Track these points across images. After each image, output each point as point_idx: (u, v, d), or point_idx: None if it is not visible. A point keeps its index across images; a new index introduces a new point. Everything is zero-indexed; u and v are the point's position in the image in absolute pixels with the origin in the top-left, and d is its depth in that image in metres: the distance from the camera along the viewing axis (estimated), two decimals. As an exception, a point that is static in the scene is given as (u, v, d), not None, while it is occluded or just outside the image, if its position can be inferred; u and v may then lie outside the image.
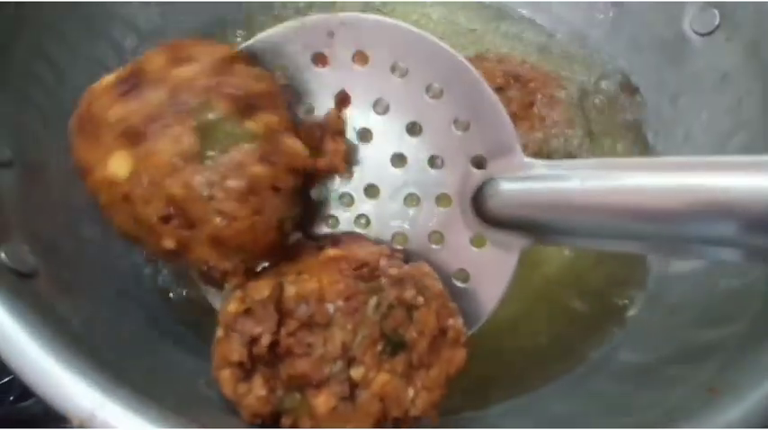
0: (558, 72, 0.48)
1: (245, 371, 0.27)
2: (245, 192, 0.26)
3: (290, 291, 0.27)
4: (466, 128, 0.30)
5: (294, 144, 0.28)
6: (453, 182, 0.30)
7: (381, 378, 0.26)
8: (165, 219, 0.26)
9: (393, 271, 0.28)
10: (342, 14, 0.29)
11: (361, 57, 0.30)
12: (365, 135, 0.31)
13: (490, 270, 0.30)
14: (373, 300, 0.27)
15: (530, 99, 0.44)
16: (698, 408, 0.28)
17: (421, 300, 0.28)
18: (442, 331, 0.28)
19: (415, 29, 0.29)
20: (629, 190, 0.26)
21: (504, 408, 0.36)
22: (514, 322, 0.39)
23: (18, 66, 0.38)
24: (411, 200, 0.31)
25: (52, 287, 0.30)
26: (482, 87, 0.29)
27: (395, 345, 0.27)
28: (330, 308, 0.27)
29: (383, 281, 0.28)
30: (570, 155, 0.43)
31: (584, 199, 0.27)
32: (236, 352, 0.26)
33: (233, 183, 0.26)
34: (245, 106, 0.27)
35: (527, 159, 0.29)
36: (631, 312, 0.40)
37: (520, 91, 0.43)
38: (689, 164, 0.26)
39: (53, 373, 0.23)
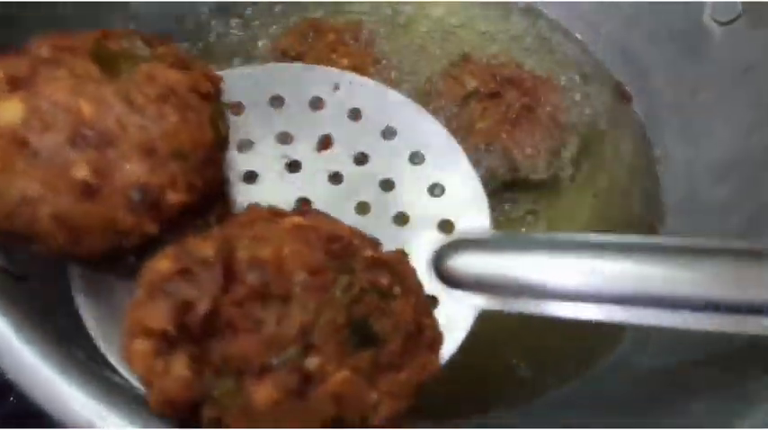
0: (554, 74, 0.46)
1: (167, 343, 0.21)
2: (166, 93, 0.23)
3: (243, 254, 0.22)
4: (441, 193, 0.30)
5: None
6: (416, 241, 0.29)
7: (342, 374, 0.21)
8: (73, 143, 0.22)
9: (368, 252, 0.24)
10: (350, 75, 0.32)
11: (356, 113, 0.31)
12: (337, 177, 0.31)
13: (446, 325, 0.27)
14: (343, 279, 0.22)
15: (527, 103, 0.42)
16: (725, 415, 0.26)
17: (398, 289, 0.23)
18: (418, 330, 0.23)
19: (411, 101, 0.32)
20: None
21: (513, 414, 0.35)
22: (519, 326, 0.38)
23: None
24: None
25: (47, 290, 0.29)
26: (461, 157, 0.31)
27: (362, 337, 0.22)
28: (290, 280, 0.22)
29: (356, 262, 0.23)
30: (572, 160, 0.42)
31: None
32: (161, 317, 0.21)
33: (150, 90, 0.23)
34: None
35: (492, 231, 0.30)
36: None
37: (516, 96, 0.42)
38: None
39: (50, 382, 0.22)
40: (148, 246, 0.23)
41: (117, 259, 0.25)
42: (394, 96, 0.32)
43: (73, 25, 0.39)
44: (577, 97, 0.44)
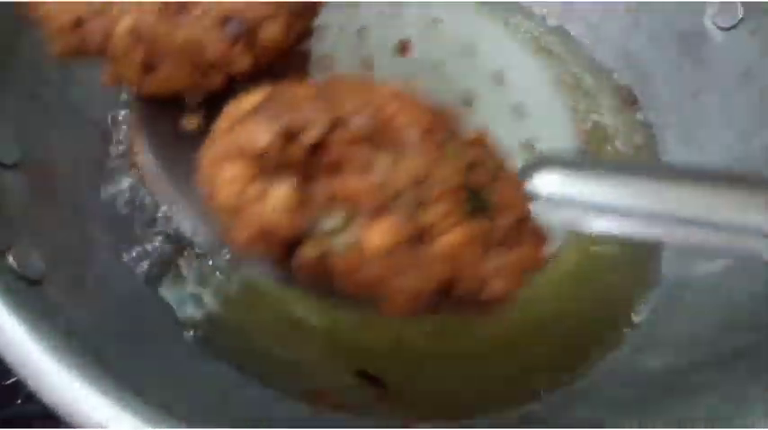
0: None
1: (266, 167, 0.18)
2: None
3: (348, 102, 0.19)
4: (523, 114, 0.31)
5: None
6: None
7: (459, 233, 0.19)
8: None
9: (470, 133, 0.22)
10: None
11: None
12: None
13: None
14: (456, 144, 0.20)
15: None
16: (728, 417, 0.27)
17: (504, 173, 0.21)
18: (525, 217, 0.21)
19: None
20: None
21: (517, 414, 0.36)
22: (521, 327, 0.38)
23: (24, 62, 0.37)
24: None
25: (61, 294, 0.29)
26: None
27: (476, 205, 0.19)
28: (401, 133, 0.19)
29: (461, 135, 0.21)
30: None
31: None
32: (261, 136, 0.18)
33: None
34: None
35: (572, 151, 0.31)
36: (644, 315, 0.39)
37: None
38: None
39: (65, 386, 0.23)
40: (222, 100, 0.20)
41: (190, 109, 0.22)
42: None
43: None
44: (582, 101, 0.44)
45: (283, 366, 0.35)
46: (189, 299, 0.37)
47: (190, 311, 0.37)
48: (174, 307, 0.37)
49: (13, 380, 0.42)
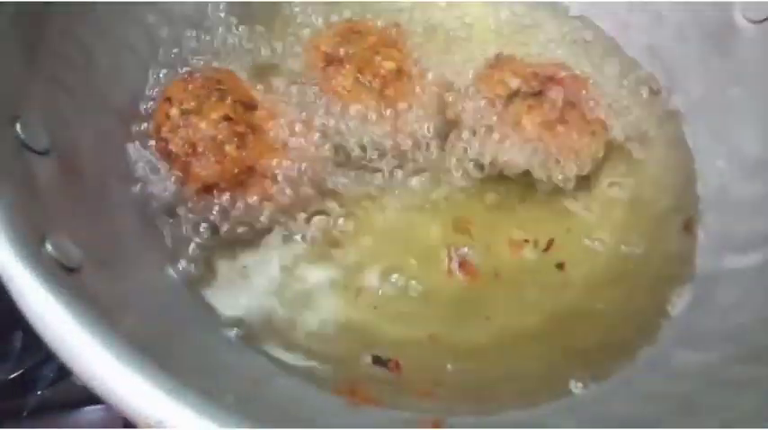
0: (586, 70, 0.46)
1: None
2: None
3: None
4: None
5: None
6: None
7: None
8: None
9: None
10: None
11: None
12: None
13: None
14: None
15: (570, 99, 0.42)
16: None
17: None
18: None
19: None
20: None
21: (551, 408, 0.35)
22: (555, 321, 0.38)
23: (49, 48, 0.36)
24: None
25: (97, 281, 0.28)
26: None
27: None
28: None
29: None
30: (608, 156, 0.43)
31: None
32: None
33: None
34: None
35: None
36: (680, 309, 0.39)
37: (560, 93, 0.42)
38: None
39: (117, 378, 0.22)
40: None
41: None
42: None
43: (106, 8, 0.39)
44: (609, 93, 0.44)
45: (320, 359, 0.35)
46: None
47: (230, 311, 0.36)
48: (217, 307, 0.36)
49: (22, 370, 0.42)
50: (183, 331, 0.33)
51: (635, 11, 0.48)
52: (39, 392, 0.42)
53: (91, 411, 0.42)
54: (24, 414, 0.42)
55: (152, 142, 0.39)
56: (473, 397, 0.35)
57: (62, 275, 0.26)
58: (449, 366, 0.36)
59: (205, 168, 0.38)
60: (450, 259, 0.40)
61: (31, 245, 0.25)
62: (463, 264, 0.40)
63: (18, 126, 0.30)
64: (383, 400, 0.34)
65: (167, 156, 0.38)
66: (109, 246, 0.33)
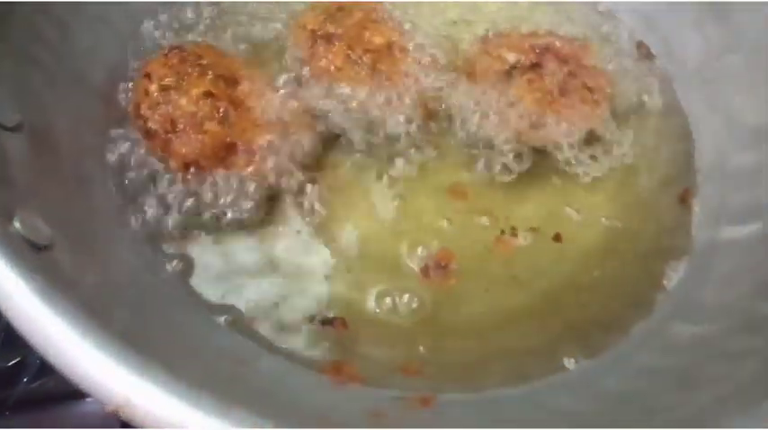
0: (582, 38, 0.45)
1: None
2: None
3: None
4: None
5: None
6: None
7: None
8: None
9: None
10: None
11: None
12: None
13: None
14: None
15: (569, 69, 0.41)
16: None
17: None
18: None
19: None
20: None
21: (544, 384, 0.34)
22: (549, 296, 0.37)
23: (21, 23, 0.35)
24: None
25: (69, 260, 0.27)
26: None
27: None
28: None
29: None
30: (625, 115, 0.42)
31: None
32: None
33: None
34: None
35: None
36: (675, 282, 0.38)
37: (557, 64, 0.41)
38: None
39: (82, 356, 0.21)
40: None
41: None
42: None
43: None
44: (605, 60, 0.43)
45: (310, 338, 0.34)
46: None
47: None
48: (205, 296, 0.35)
49: (16, 360, 0.41)
50: (163, 312, 0.32)
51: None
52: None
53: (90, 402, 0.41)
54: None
55: (131, 119, 0.38)
56: (463, 375, 0.34)
57: (31, 253, 0.25)
58: (445, 345, 0.35)
59: (185, 145, 0.36)
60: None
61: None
62: (446, 255, 0.39)
63: (-15, 101, 0.29)
64: (369, 379, 0.33)
65: (147, 133, 0.37)
66: (85, 224, 0.32)
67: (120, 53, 0.41)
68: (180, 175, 0.37)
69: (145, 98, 0.38)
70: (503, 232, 0.39)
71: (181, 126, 0.37)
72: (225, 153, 0.37)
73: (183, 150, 0.36)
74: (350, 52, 0.41)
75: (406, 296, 0.36)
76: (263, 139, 0.38)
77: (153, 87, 0.38)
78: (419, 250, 0.38)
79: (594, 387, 0.33)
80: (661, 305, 0.36)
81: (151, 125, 0.37)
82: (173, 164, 0.37)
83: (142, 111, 0.37)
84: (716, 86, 0.42)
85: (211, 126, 0.37)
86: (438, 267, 0.38)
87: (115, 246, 0.33)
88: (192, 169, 0.37)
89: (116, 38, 0.41)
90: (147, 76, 0.38)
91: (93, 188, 0.35)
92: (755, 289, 0.33)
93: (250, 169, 0.38)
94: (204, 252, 0.37)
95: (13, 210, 0.26)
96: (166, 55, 0.39)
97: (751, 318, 0.31)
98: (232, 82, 0.39)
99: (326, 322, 0.35)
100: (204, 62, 0.39)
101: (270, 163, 0.38)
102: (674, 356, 0.32)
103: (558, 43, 0.42)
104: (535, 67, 0.40)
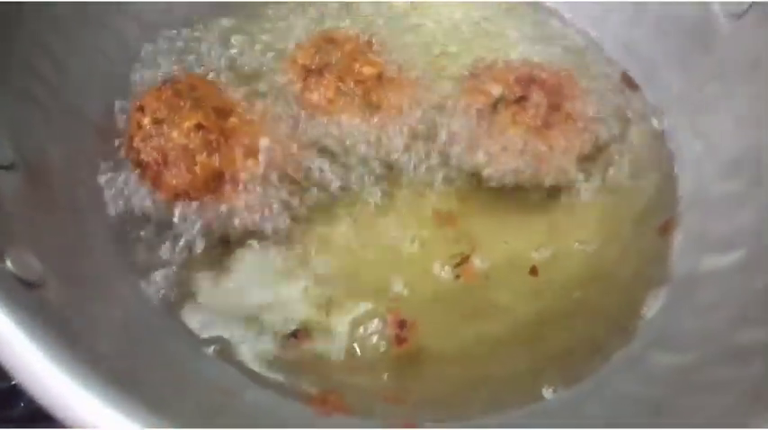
0: (566, 68, 0.45)
1: None
2: None
3: None
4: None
5: None
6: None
7: None
8: None
9: None
10: None
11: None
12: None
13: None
14: None
15: (555, 101, 0.41)
16: (744, 416, 0.26)
17: None
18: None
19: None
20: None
21: (523, 413, 0.35)
22: (527, 326, 0.38)
23: (18, 60, 0.36)
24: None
25: (60, 296, 0.28)
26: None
27: None
28: None
29: None
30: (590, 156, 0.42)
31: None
32: None
33: None
34: None
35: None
36: (655, 311, 0.38)
37: (543, 95, 0.41)
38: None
39: (68, 396, 0.22)
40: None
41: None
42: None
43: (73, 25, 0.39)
44: (589, 90, 0.44)
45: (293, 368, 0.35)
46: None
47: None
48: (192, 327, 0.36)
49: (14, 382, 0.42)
50: (154, 347, 0.33)
51: (614, 10, 0.48)
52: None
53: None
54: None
55: (125, 152, 0.39)
56: (443, 403, 0.34)
57: (21, 291, 0.26)
58: (426, 374, 0.36)
59: (176, 177, 0.38)
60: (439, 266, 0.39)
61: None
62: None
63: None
64: (354, 408, 0.34)
65: (139, 165, 0.38)
66: (78, 260, 0.33)
67: (116, 88, 0.42)
68: (171, 207, 0.38)
69: (138, 131, 0.39)
70: (482, 261, 0.39)
71: (172, 158, 0.38)
72: (214, 183, 0.38)
73: (174, 182, 0.37)
74: (340, 84, 0.42)
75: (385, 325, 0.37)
76: (252, 169, 0.39)
77: (146, 120, 0.39)
78: (400, 282, 0.38)
79: (574, 414, 0.33)
80: (640, 334, 0.37)
81: (143, 157, 0.38)
82: (163, 195, 0.38)
83: (135, 144, 0.38)
84: (698, 116, 0.43)
85: (201, 158, 0.38)
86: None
87: (107, 279, 0.34)
88: (181, 200, 0.38)
89: (112, 72, 0.43)
90: (141, 109, 0.39)
91: (86, 220, 0.36)
92: (734, 318, 0.33)
93: (239, 198, 0.39)
94: (195, 283, 0.37)
95: (4, 249, 0.27)
96: (159, 88, 0.40)
97: (728, 348, 0.32)
98: (224, 113, 0.41)
99: (293, 335, 0.36)
100: (197, 94, 0.40)
101: (258, 192, 0.39)
102: (651, 385, 0.33)
103: (542, 74, 0.43)
104: (520, 99, 0.41)
